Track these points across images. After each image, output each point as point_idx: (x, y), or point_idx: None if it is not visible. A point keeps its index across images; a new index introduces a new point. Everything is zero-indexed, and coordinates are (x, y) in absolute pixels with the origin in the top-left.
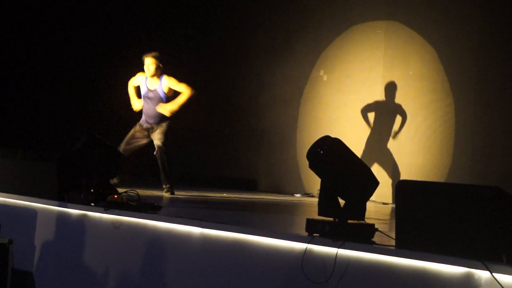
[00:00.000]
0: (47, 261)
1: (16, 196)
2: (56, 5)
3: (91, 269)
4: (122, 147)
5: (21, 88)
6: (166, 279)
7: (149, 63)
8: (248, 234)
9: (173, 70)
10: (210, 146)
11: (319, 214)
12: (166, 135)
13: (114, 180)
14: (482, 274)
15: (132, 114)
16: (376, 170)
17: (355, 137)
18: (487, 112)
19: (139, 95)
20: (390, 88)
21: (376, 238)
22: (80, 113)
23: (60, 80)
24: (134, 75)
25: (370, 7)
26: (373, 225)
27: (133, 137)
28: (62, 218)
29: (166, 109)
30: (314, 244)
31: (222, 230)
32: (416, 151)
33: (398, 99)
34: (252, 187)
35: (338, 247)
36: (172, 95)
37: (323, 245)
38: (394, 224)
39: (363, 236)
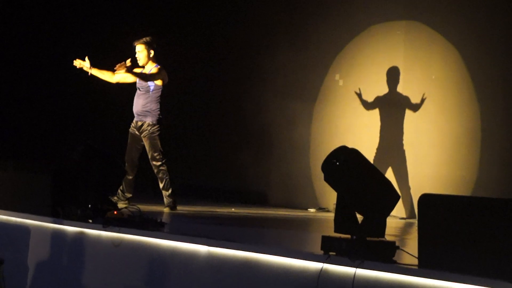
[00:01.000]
0: (41, 282)
1: (7, 212)
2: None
3: None
4: (126, 159)
5: (12, 94)
6: None
7: (139, 50)
8: (259, 252)
9: (177, 70)
10: (217, 156)
11: (336, 231)
12: (158, 148)
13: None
14: None
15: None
16: (396, 182)
17: (373, 146)
18: None
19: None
20: (410, 91)
21: (397, 256)
22: (77, 121)
23: (55, 85)
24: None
25: (388, 6)
26: (393, 242)
27: (131, 142)
28: (57, 236)
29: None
30: (330, 263)
31: (231, 249)
32: (440, 161)
33: (419, 105)
34: (262, 201)
35: (356, 267)
36: (165, 85)
37: (340, 265)
38: (416, 242)
39: (383, 255)
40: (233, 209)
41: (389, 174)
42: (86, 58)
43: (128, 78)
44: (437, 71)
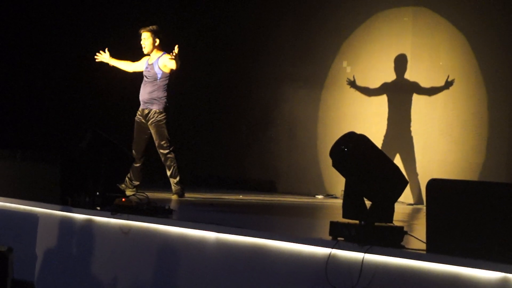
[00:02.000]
0: (50, 270)
1: (15, 200)
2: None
3: (97, 278)
4: (133, 147)
5: (19, 83)
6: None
7: (144, 37)
8: (267, 238)
9: (184, 59)
10: (225, 145)
11: (344, 217)
12: (165, 136)
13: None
14: None
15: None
16: (403, 168)
17: (381, 133)
18: None
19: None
20: (418, 78)
21: (405, 242)
22: (85, 109)
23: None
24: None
25: None
26: (402, 227)
27: (138, 131)
28: (66, 224)
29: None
30: (339, 249)
31: (239, 235)
32: (447, 147)
33: (427, 92)
34: (269, 188)
35: (365, 252)
36: (172, 73)
37: (349, 250)
38: (424, 227)
39: (391, 240)
40: (241, 196)
41: (397, 161)
42: (106, 50)
43: (139, 66)
44: (445, 58)
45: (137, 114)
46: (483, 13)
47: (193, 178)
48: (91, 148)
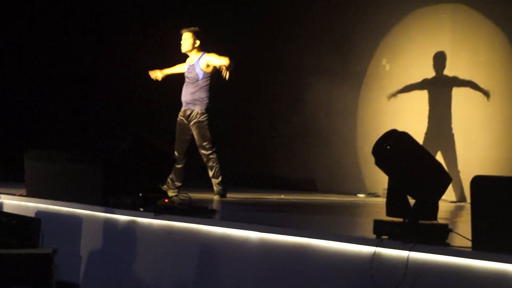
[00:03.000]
0: (94, 271)
1: (59, 202)
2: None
3: (141, 279)
4: (175, 148)
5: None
6: None
7: (185, 37)
8: (311, 237)
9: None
10: (264, 144)
11: (388, 215)
12: (207, 137)
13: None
14: None
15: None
16: (445, 166)
17: (421, 130)
18: None
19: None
20: (457, 75)
21: (450, 239)
22: (126, 110)
23: (104, 77)
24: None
25: None
26: (446, 225)
27: (180, 132)
28: (109, 225)
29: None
30: (383, 247)
31: (282, 234)
32: (490, 144)
33: (467, 88)
34: (310, 187)
35: (409, 250)
36: (214, 72)
37: (393, 248)
38: (468, 224)
39: (436, 238)
40: (282, 196)
41: (438, 158)
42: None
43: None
44: (485, 54)
45: (179, 115)
46: None
47: (234, 178)
48: (132, 149)
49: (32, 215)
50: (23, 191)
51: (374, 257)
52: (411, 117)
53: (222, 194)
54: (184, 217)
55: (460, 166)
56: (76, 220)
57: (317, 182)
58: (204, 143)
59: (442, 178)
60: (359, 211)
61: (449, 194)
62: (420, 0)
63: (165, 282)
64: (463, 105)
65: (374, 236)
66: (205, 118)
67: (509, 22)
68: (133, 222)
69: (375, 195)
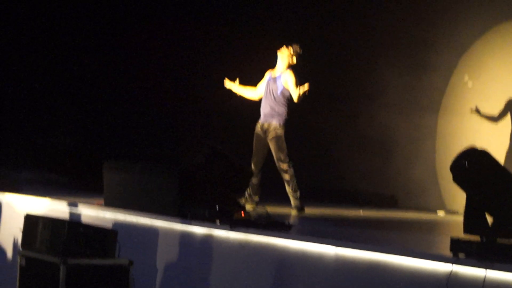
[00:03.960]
0: (170, 283)
1: (136, 213)
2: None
3: None
4: (252, 161)
5: (139, 99)
6: None
7: (283, 53)
8: (387, 253)
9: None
10: (343, 159)
11: (465, 232)
12: (284, 151)
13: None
14: None
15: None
16: None
17: (502, 148)
18: None
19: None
20: None
21: None
22: (203, 123)
23: (181, 89)
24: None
25: None
26: None
27: (257, 144)
28: (186, 237)
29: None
30: (460, 265)
31: (359, 249)
32: None
33: None
34: (389, 203)
35: (487, 269)
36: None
37: (470, 266)
38: None
39: None
40: (361, 212)
41: None
42: (237, 80)
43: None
44: None
45: (257, 125)
46: None
47: (312, 192)
48: (208, 162)
49: (110, 225)
50: (102, 201)
51: (451, 275)
52: (493, 136)
53: (300, 208)
54: (260, 231)
55: None
56: (152, 232)
57: (396, 197)
58: (281, 156)
59: None
60: (437, 228)
61: None
62: (502, 14)
63: None
64: None
65: (451, 254)
66: (282, 132)
67: None
68: (210, 234)
69: (455, 212)
